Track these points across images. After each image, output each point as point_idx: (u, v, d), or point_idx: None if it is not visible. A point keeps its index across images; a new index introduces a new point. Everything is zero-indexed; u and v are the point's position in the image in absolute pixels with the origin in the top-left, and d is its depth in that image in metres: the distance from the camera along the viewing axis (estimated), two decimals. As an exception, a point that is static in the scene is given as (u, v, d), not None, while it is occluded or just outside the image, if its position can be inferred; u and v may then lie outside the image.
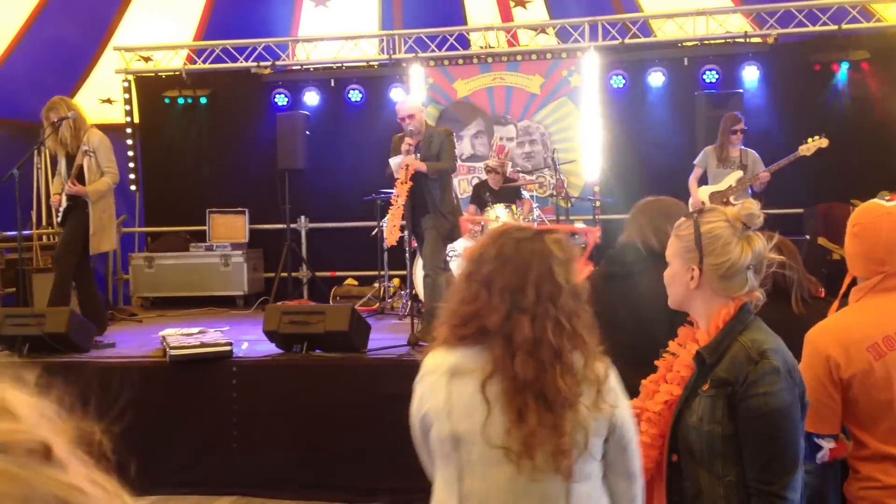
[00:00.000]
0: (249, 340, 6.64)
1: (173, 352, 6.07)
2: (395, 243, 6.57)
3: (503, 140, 10.06)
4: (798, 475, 2.16)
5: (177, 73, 10.86)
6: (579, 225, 9.64)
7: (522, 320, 1.99)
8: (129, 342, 7.16)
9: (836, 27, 9.47)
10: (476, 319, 2.03)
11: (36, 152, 10.35)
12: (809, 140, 7.91)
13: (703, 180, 8.28)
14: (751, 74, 9.70)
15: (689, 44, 10.05)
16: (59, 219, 7.41)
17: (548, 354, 1.98)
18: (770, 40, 9.71)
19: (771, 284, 2.69)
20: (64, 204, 7.26)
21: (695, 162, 8.27)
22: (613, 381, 2.08)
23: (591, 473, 2.05)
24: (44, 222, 11.13)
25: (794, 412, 2.16)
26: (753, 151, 8.12)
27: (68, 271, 7.21)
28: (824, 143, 7.87)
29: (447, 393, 2.02)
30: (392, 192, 7.01)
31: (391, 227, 6.43)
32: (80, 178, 7.18)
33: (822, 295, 3.38)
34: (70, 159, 7.27)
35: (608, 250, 3.65)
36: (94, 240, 7.20)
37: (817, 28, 9.59)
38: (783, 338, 2.29)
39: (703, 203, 7.94)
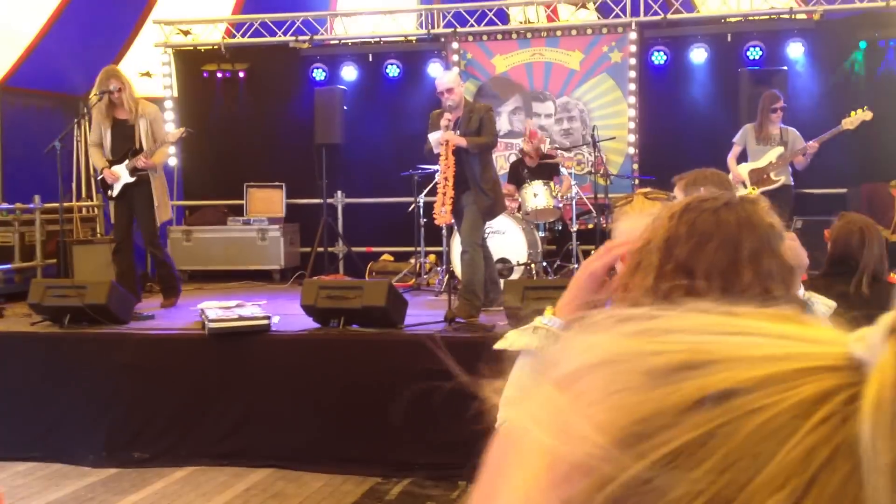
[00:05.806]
0: (286, 314, 6.66)
1: (212, 325, 6.11)
2: (448, 222, 6.53)
3: (541, 116, 9.97)
4: None
5: (215, 46, 10.88)
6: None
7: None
8: (167, 315, 7.23)
9: (883, 3, 9.23)
10: None
11: (76, 125, 10.44)
12: (852, 113, 7.75)
13: (741, 158, 8.13)
14: (795, 51, 9.49)
15: (733, 20, 9.87)
16: (113, 192, 7.46)
17: None
18: (816, 16, 9.49)
19: (828, 265, 2.65)
20: (128, 179, 7.34)
21: (734, 140, 8.13)
22: None
23: None
24: (83, 194, 11.23)
25: None
26: (794, 129, 7.97)
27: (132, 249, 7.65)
28: (868, 115, 7.69)
29: None
30: (430, 168, 6.99)
31: (440, 207, 6.40)
32: (136, 147, 7.35)
33: (894, 280, 3.32)
34: (122, 129, 7.36)
35: None
36: (159, 211, 7.46)
37: (864, 4, 9.37)
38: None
39: (743, 179, 7.86)
